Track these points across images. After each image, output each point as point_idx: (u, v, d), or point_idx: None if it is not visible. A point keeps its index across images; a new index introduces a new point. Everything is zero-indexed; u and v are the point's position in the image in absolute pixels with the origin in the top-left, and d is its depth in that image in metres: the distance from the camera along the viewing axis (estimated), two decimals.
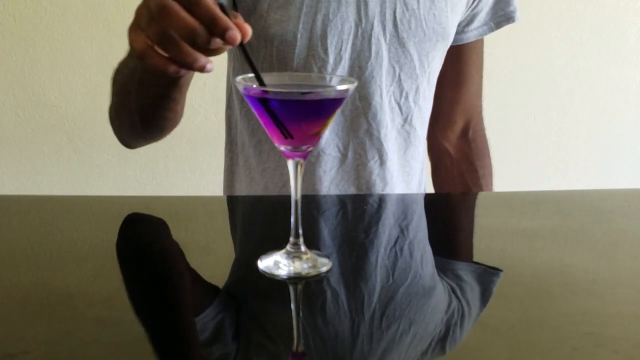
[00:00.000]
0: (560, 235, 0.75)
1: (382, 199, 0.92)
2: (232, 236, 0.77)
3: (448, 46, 0.94)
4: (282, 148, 0.60)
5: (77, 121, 1.87)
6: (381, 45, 0.88)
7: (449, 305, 0.57)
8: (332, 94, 0.58)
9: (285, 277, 0.61)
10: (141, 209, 0.87)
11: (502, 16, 0.97)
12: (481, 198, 0.98)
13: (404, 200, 0.93)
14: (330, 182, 0.93)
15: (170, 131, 0.88)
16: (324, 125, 0.60)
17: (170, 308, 0.58)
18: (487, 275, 0.65)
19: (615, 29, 2.02)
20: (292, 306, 0.58)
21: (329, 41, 0.87)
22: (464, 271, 0.66)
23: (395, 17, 0.87)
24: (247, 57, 0.57)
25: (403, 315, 0.56)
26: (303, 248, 0.63)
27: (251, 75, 0.60)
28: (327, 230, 0.76)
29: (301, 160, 0.61)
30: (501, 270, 0.65)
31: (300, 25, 0.86)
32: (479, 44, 1.00)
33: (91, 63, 1.83)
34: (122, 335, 0.53)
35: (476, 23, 0.96)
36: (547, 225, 0.78)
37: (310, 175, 0.93)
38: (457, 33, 0.95)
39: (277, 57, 0.88)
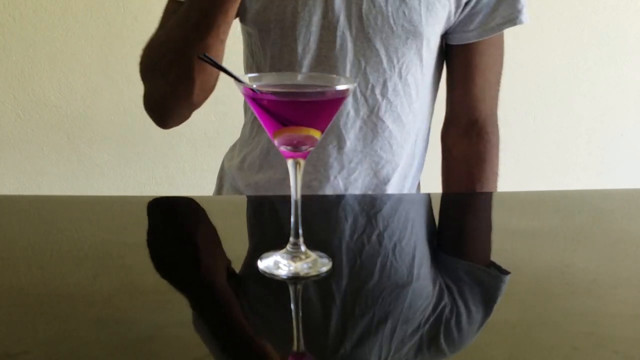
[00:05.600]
0: (560, 235, 0.75)
1: (382, 200, 0.92)
2: (232, 236, 0.77)
3: (425, 43, 0.93)
4: (282, 148, 0.60)
5: (77, 121, 1.87)
6: (346, 38, 0.90)
7: (450, 306, 0.57)
8: (329, 94, 0.58)
9: (285, 277, 0.61)
10: (141, 209, 0.87)
11: (504, 17, 0.95)
12: (481, 198, 0.98)
13: (405, 200, 0.93)
14: None
15: (204, 87, 0.89)
16: (323, 125, 0.60)
17: (170, 308, 0.58)
18: (490, 276, 0.65)
19: (615, 29, 2.02)
20: (292, 306, 0.58)
21: (297, 32, 0.90)
22: (465, 272, 0.66)
23: (361, 12, 0.89)
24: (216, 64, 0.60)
25: (403, 315, 0.56)
26: (303, 248, 0.63)
27: (251, 75, 0.61)
28: (327, 230, 0.76)
29: (301, 160, 0.61)
30: (508, 273, 0.65)
31: (273, 17, 0.91)
32: (481, 45, 0.98)
33: (91, 63, 1.83)
34: (122, 335, 0.53)
35: (475, 24, 0.95)
36: (547, 225, 0.78)
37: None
38: (457, 32, 0.95)
39: (256, 46, 0.95)
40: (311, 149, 0.61)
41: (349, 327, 0.53)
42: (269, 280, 0.61)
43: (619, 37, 2.03)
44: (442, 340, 0.52)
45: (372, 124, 0.95)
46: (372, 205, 0.88)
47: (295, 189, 0.62)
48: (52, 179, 1.90)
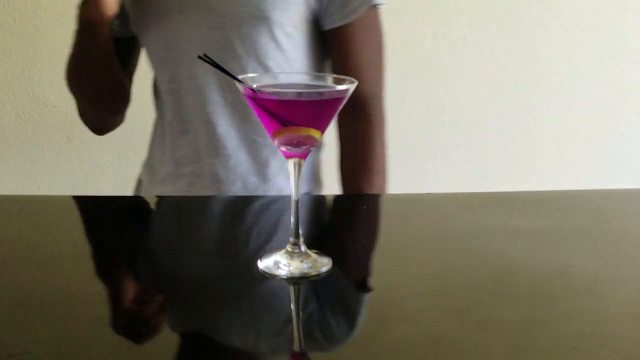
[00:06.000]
0: (560, 235, 0.75)
1: (384, 200, 0.92)
2: (232, 236, 0.77)
3: (277, 28, 0.95)
4: (283, 148, 0.60)
5: (77, 121, 1.85)
6: (201, 31, 0.95)
7: (455, 305, 0.57)
8: (329, 94, 0.58)
9: (285, 277, 0.61)
10: (141, 209, 0.87)
11: (358, 1, 0.97)
12: (481, 198, 0.98)
13: (406, 201, 0.93)
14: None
15: (113, 102, 1.05)
16: (323, 125, 0.60)
17: (170, 308, 0.58)
18: (494, 275, 0.65)
19: (615, 29, 2.02)
20: (292, 306, 0.58)
21: (157, 31, 0.97)
22: (465, 270, 0.66)
23: (209, 3, 0.93)
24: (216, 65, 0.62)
25: (403, 315, 0.56)
26: (303, 248, 0.63)
27: (251, 75, 0.61)
28: (327, 230, 0.76)
29: (301, 161, 0.61)
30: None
31: (135, 24, 1.00)
32: (350, 29, 0.98)
33: None
34: (122, 335, 0.53)
35: (335, 8, 0.97)
36: (547, 225, 0.78)
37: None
38: (324, 18, 0.98)
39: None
40: (311, 148, 0.61)
41: (349, 327, 0.53)
42: (269, 280, 0.61)
43: (619, 37, 2.03)
44: (443, 339, 0.52)
45: (241, 109, 0.98)
46: (374, 205, 0.88)
47: (295, 189, 0.62)
48: (52, 179, 1.90)
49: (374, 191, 1.01)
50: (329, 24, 0.98)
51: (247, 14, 0.93)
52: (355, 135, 1.02)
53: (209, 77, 0.96)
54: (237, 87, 0.95)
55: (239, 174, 0.99)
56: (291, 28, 0.96)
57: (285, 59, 0.97)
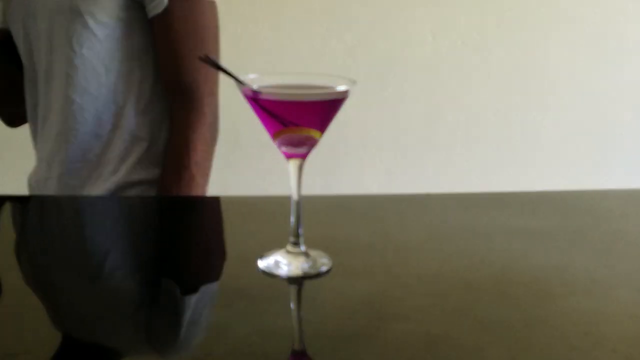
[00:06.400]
0: (560, 235, 0.75)
1: (386, 200, 0.92)
2: (232, 236, 0.77)
3: (89, 18, 0.97)
4: (283, 149, 0.60)
5: None
6: (38, 22, 1.00)
7: (456, 304, 0.57)
8: (330, 95, 0.59)
9: (285, 277, 0.61)
10: (141, 209, 0.87)
11: None
12: (481, 198, 0.98)
13: (406, 201, 0.93)
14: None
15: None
16: (323, 125, 0.60)
17: (170, 308, 0.59)
18: (495, 274, 0.65)
19: (615, 29, 2.02)
20: (292, 306, 0.58)
21: (16, 25, 1.04)
22: (465, 270, 0.66)
23: None
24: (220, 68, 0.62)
25: (403, 314, 0.56)
26: (303, 248, 0.63)
27: (252, 76, 0.61)
28: (327, 230, 0.76)
29: (302, 161, 0.61)
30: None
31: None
32: (166, 20, 0.99)
33: None
34: (122, 335, 0.53)
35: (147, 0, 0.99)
36: (547, 225, 0.78)
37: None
38: (145, 8, 1.00)
39: None
40: (312, 149, 0.61)
41: (350, 326, 0.53)
42: (269, 280, 0.61)
43: (618, 37, 2.03)
44: (444, 339, 0.52)
45: (62, 99, 1.01)
46: (373, 205, 0.88)
47: (295, 189, 0.62)
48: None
49: (182, 185, 0.99)
50: (148, 13, 1.00)
51: (59, 3, 0.97)
52: (173, 126, 1.03)
53: (54, 65, 1.00)
54: (57, 77, 1.00)
55: (63, 161, 1.03)
56: (106, 17, 0.98)
57: (104, 48, 0.99)
